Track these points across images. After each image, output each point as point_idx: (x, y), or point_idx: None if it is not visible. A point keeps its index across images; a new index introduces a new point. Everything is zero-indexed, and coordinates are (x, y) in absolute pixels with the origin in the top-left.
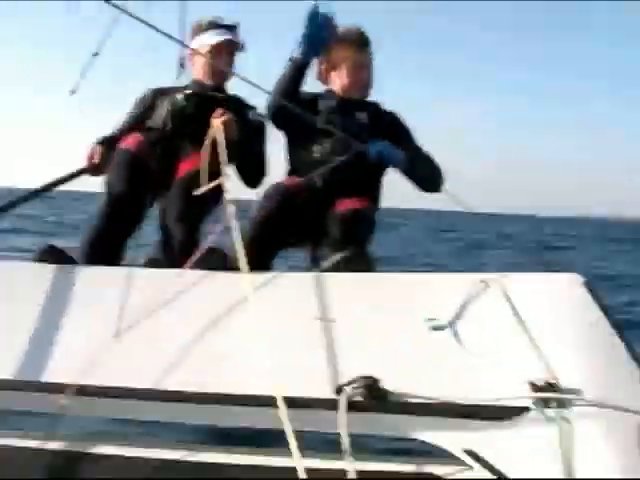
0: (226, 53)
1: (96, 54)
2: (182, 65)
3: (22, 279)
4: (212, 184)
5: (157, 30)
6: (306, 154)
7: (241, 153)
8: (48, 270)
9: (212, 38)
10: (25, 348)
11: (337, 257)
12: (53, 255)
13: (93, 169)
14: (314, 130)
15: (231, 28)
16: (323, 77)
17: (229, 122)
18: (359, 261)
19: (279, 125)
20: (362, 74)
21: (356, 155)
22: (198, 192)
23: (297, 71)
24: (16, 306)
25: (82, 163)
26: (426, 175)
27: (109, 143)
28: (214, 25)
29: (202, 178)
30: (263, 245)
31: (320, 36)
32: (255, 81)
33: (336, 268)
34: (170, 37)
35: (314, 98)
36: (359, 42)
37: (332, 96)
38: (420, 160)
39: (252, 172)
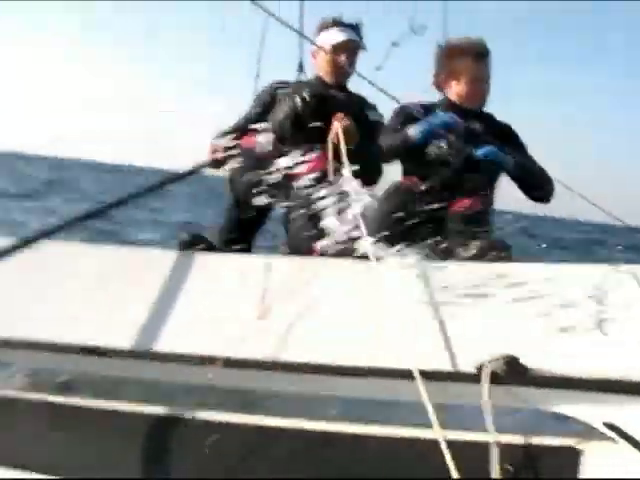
0: (347, 52)
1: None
2: (301, 68)
3: (170, 267)
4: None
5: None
6: (421, 156)
7: (360, 154)
8: (194, 258)
9: (335, 36)
10: (178, 324)
11: (477, 244)
12: (198, 243)
13: (215, 163)
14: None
15: (354, 27)
16: (441, 85)
17: (349, 127)
18: (498, 247)
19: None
20: (480, 86)
21: (467, 159)
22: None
23: (408, 146)
24: (167, 291)
25: (204, 157)
26: (535, 183)
27: (230, 139)
28: (337, 23)
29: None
30: (386, 239)
31: (440, 134)
32: (374, 80)
33: (478, 256)
34: (300, 34)
35: (430, 107)
36: (479, 54)
37: (448, 105)
38: (530, 167)
39: (370, 171)
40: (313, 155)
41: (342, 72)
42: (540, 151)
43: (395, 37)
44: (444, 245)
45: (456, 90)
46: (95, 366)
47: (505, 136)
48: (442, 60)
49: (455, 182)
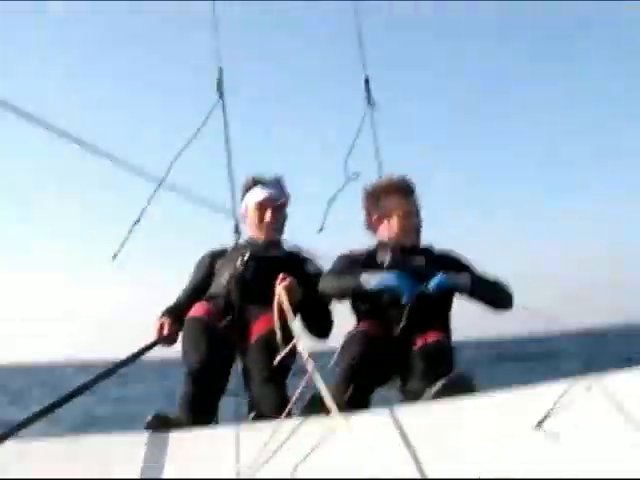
0: (272, 207)
1: (138, 221)
2: (237, 230)
3: (143, 449)
4: (287, 348)
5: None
6: (376, 300)
7: (306, 310)
8: (162, 438)
9: (257, 195)
10: None
11: (440, 383)
12: (163, 423)
13: (164, 340)
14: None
15: (274, 183)
16: (373, 227)
17: (291, 286)
18: (462, 383)
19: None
20: (411, 221)
21: (421, 295)
22: (276, 361)
23: (361, 291)
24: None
25: (152, 336)
26: (493, 292)
27: (175, 313)
28: (258, 181)
29: (277, 341)
30: (356, 387)
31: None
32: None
33: (442, 393)
34: (221, 211)
35: (370, 254)
36: (405, 191)
37: (386, 248)
38: (485, 279)
39: (320, 324)
40: (259, 315)
41: (271, 228)
42: None
43: (331, 192)
44: (410, 386)
45: (391, 229)
46: None
47: (448, 262)
48: (370, 202)
49: (413, 320)
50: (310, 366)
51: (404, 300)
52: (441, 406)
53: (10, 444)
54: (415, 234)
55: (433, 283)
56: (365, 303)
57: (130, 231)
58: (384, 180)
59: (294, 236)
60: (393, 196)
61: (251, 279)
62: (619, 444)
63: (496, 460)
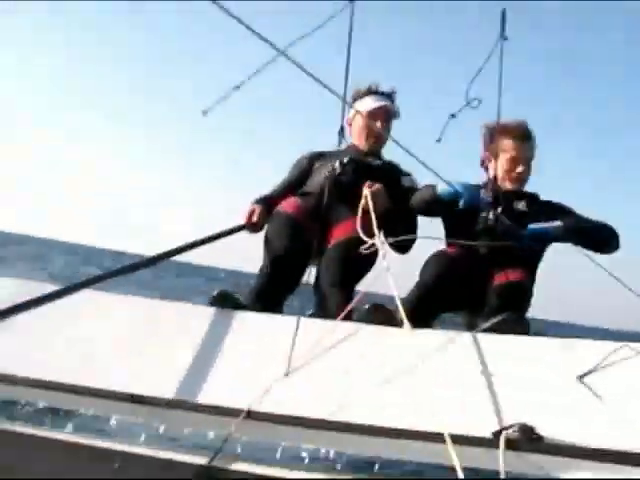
0: (381, 119)
1: (237, 87)
2: (342, 133)
3: (200, 321)
4: (368, 245)
5: (323, 85)
6: (467, 223)
7: (392, 220)
8: (224, 314)
9: (369, 104)
10: (202, 376)
11: (496, 319)
12: (226, 301)
13: (251, 227)
14: (474, 231)
15: (388, 95)
16: (485, 165)
17: (378, 193)
18: (517, 324)
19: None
20: (518, 167)
21: (513, 234)
22: (363, 248)
23: (436, 200)
24: (195, 344)
25: (240, 220)
26: (596, 237)
27: (267, 203)
28: (372, 91)
29: (354, 247)
30: (426, 307)
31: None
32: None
33: (494, 329)
34: (334, 93)
35: (474, 186)
36: (521, 135)
37: (490, 185)
38: (584, 225)
39: (402, 236)
40: (345, 219)
41: (377, 138)
42: None
43: (453, 109)
44: (476, 319)
45: (496, 169)
46: (122, 412)
47: (550, 211)
48: (486, 139)
49: (501, 253)
50: (388, 272)
51: (461, 204)
52: (492, 339)
53: (88, 292)
54: (519, 181)
55: (528, 235)
56: (456, 227)
57: (228, 94)
58: (505, 120)
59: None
60: (508, 137)
61: (347, 183)
62: None
63: (534, 402)
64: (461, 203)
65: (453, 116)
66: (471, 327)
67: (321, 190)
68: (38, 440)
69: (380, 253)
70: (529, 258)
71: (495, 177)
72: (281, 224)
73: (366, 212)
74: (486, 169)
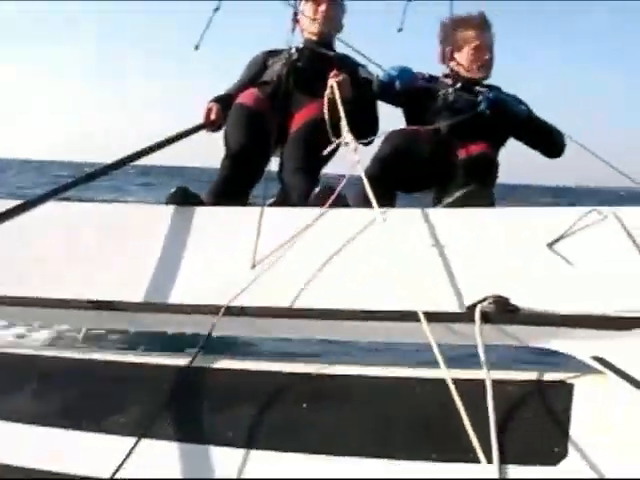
0: (328, 3)
1: (217, 9)
2: (295, 17)
3: (161, 221)
4: (336, 144)
5: None
6: (425, 102)
7: (354, 109)
8: (184, 211)
9: None
10: (171, 275)
11: (459, 193)
12: (185, 198)
13: (210, 125)
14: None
15: None
16: (446, 59)
17: (345, 82)
18: (480, 197)
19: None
20: (484, 55)
21: (475, 107)
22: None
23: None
24: (159, 243)
25: (199, 119)
26: (548, 132)
27: (225, 101)
28: None
29: (320, 131)
30: (383, 183)
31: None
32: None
33: (457, 203)
34: None
35: (436, 77)
36: (482, 25)
37: (454, 76)
38: (541, 120)
39: (365, 127)
40: (305, 105)
41: (327, 20)
42: None
43: None
44: (444, 194)
45: (461, 60)
46: (99, 321)
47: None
48: (446, 34)
49: (463, 128)
50: (353, 157)
51: (397, 85)
52: (459, 213)
53: (44, 207)
54: (485, 69)
55: (484, 97)
56: (415, 107)
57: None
58: (462, 14)
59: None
60: (469, 29)
61: (303, 69)
62: (627, 271)
63: (505, 274)
64: (397, 84)
65: None
66: (438, 202)
67: (279, 78)
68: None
69: (351, 147)
70: (491, 130)
71: (457, 72)
72: (240, 116)
73: (331, 100)
74: (447, 64)
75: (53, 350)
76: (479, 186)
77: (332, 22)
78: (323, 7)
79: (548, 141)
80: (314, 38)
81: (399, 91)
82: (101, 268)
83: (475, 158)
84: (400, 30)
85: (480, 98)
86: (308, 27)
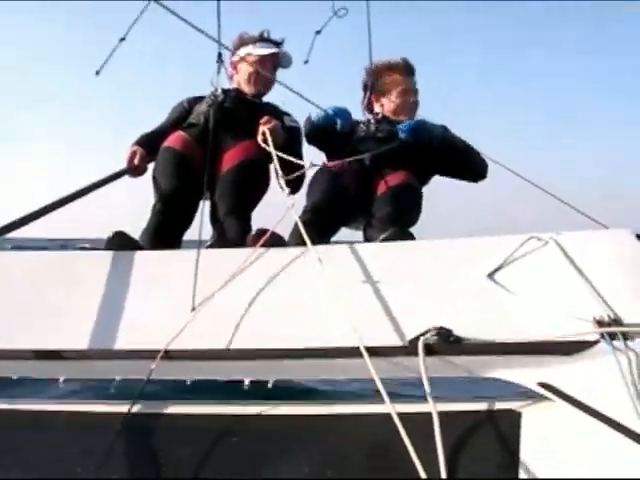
0: (271, 65)
1: (123, 39)
2: (220, 58)
3: (98, 266)
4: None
5: (200, 31)
6: (344, 138)
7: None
8: (121, 256)
9: (260, 50)
10: (111, 322)
11: (382, 236)
12: (123, 242)
13: (134, 170)
14: (355, 140)
15: (278, 43)
16: (371, 105)
17: (277, 127)
18: (403, 238)
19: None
20: (410, 97)
21: (393, 137)
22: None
23: (310, 126)
24: (98, 289)
25: (122, 164)
26: (468, 154)
27: (148, 145)
28: (262, 38)
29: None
30: (318, 228)
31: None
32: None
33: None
34: (216, 41)
35: (359, 121)
36: (407, 69)
37: (380, 119)
38: (460, 142)
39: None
40: (233, 146)
41: (265, 84)
42: None
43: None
44: (370, 230)
45: (387, 105)
46: (27, 371)
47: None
48: (370, 80)
49: (384, 160)
50: (289, 201)
51: (338, 125)
52: (396, 246)
53: None
54: (411, 111)
55: (403, 126)
56: (334, 144)
57: (115, 48)
58: (386, 59)
59: None
60: (395, 73)
61: (229, 109)
62: (569, 296)
63: (446, 306)
64: (339, 124)
65: (319, 32)
66: (366, 236)
67: (205, 119)
68: None
69: (287, 200)
70: (412, 158)
71: (384, 115)
72: (168, 161)
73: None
74: (370, 111)
75: None
76: (399, 230)
77: (270, 86)
78: (267, 70)
79: (468, 160)
80: (247, 92)
81: (340, 131)
82: (37, 317)
83: (397, 187)
84: (306, 62)
85: (400, 126)
86: (244, 82)
